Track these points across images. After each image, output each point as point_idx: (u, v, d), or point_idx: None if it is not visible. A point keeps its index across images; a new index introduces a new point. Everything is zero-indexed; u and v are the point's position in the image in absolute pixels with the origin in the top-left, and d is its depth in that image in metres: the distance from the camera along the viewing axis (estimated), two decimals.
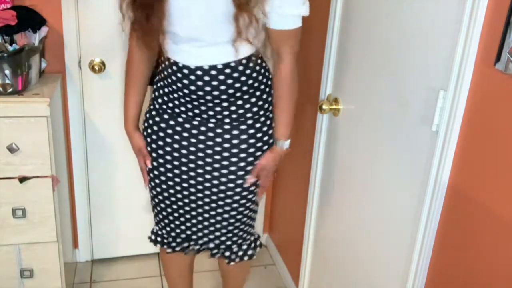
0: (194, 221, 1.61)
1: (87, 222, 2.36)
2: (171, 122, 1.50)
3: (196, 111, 1.45)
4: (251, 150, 1.50)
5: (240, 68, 1.41)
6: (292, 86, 1.47)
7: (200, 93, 1.41)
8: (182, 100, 1.45)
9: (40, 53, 1.89)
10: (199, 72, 1.38)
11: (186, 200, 1.57)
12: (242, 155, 1.49)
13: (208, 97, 1.42)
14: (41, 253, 1.84)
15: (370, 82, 1.50)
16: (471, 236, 1.13)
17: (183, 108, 1.47)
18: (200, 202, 1.56)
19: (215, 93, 1.41)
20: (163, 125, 1.51)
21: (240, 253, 1.66)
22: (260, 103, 1.49)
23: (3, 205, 1.75)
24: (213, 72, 1.38)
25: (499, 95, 1.03)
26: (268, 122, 1.52)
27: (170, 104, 1.49)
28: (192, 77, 1.39)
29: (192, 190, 1.54)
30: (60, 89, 2.04)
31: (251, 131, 1.48)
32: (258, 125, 1.49)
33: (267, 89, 1.50)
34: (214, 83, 1.40)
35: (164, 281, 2.35)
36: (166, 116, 1.50)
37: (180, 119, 1.48)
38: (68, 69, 2.08)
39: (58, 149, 1.88)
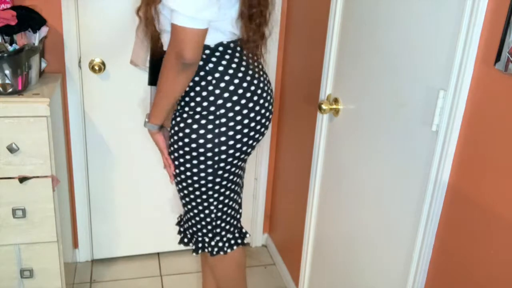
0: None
1: (87, 222, 2.36)
2: None
3: None
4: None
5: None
6: (160, 78, 1.42)
7: None
8: None
9: (40, 53, 1.89)
10: None
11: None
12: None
13: None
14: (41, 253, 1.84)
15: (370, 82, 1.50)
16: (471, 236, 1.13)
17: None
18: None
19: None
20: None
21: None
22: (186, 99, 1.48)
23: (3, 205, 1.75)
24: None
25: (499, 95, 1.03)
26: (185, 116, 1.49)
27: None
28: None
29: None
30: (60, 89, 2.04)
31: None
32: (178, 118, 1.51)
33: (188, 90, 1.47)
34: None
35: (164, 281, 2.36)
36: None
37: None
38: (68, 69, 2.08)
39: (58, 149, 1.88)
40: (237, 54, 1.48)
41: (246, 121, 1.49)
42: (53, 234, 1.83)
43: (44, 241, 1.83)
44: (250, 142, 1.54)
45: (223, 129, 1.47)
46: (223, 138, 1.48)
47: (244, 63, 1.49)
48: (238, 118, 1.48)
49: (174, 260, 2.49)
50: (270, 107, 1.57)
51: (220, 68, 1.46)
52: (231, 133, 1.48)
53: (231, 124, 1.47)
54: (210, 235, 1.65)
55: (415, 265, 1.30)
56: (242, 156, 1.55)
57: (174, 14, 1.29)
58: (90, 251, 2.43)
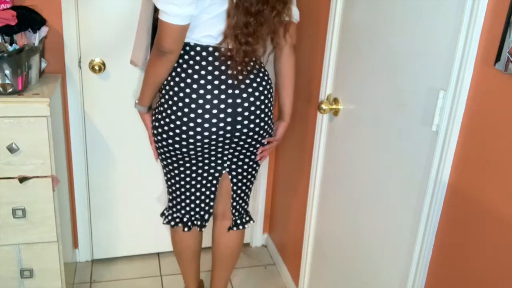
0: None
1: (87, 222, 2.36)
2: None
3: None
4: None
5: None
6: (147, 65, 1.64)
7: None
8: None
9: (40, 53, 1.89)
10: None
11: None
12: None
13: None
14: (41, 253, 1.84)
15: (370, 82, 1.50)
16: (471, 236, 1.13)
17: None
18: None
19: None
20: None
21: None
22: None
23: (3, 205, 1.75)
24: None
25: (499, 95, 1.03)
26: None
27: None
28: None
29: None
30: (60, 89, 2.04)
31: None
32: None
33: None
34: None
35: (164, 281, 2.36)
36: None
37: None
38: (68, 69, 2.08)
39: (58, 149, 1.88)
40: (201, 60, 1.57)
41: (178, 122, 1.59)
42: (53, 234, 1.83)
43: (44, 241, 1.83)
44: (177, 139, 1.62)
45: (159, 116, 1.65)
46: (157, 124, 1.67)
47: (203, 72, 1.57)
48: (173, 117, 1.60)
49: (174, 260, 2.47)
50: (210, 126, 1.59)
51: (179, 69, 1.59)
52: (166, 127, 1.63)
53: (167, 120, 1.61)
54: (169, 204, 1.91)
55: (415, 265, 1.30)
56: (175, 152, 1.66)
57: (160, 12, 1.48)
58: (90, 251, 2.43)
